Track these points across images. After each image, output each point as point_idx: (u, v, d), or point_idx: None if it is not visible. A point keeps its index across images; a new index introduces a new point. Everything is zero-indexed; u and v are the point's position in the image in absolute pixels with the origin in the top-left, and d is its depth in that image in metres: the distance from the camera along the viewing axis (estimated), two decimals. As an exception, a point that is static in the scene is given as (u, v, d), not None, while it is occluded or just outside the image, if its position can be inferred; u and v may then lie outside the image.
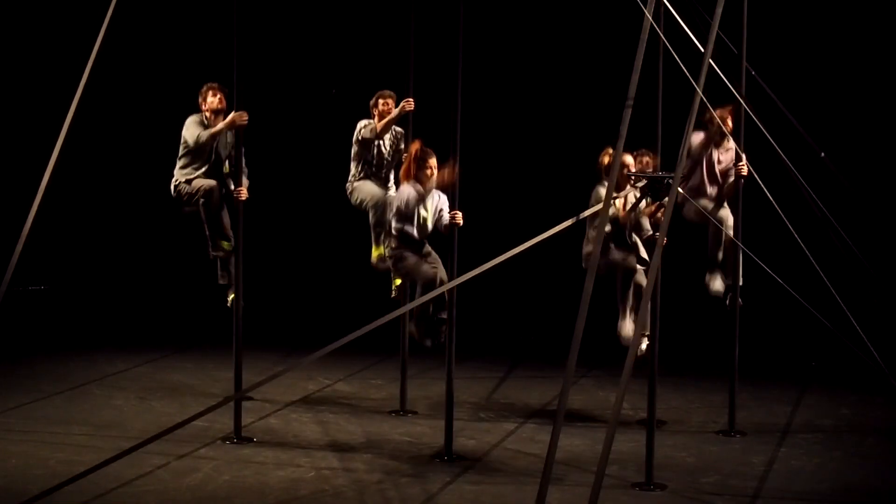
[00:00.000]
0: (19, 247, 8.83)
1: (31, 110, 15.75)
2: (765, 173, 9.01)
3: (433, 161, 10.13)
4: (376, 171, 11.18)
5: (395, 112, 10.94)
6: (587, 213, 9.61)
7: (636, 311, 10.22)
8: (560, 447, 7.92)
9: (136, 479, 9.06)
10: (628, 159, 10.21)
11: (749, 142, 10.07)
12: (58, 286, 16.44)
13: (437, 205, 10.22)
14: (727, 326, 10.68)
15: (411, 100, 10.87)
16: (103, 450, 9.38)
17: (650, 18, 8.21)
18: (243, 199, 10.16)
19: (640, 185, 9.15)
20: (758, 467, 9.71)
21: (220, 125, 10.46)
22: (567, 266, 12.50)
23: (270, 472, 9.37)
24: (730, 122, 10.46)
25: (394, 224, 10.23)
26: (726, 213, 10.91)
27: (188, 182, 10.75)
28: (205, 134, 10.55)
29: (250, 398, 11.25)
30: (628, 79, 8.14)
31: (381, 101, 11.20)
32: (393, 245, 10.30)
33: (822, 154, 9.97)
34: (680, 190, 10.05)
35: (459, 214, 9.86)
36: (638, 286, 10.43)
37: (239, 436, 10.13)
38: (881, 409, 11.44)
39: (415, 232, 10.14)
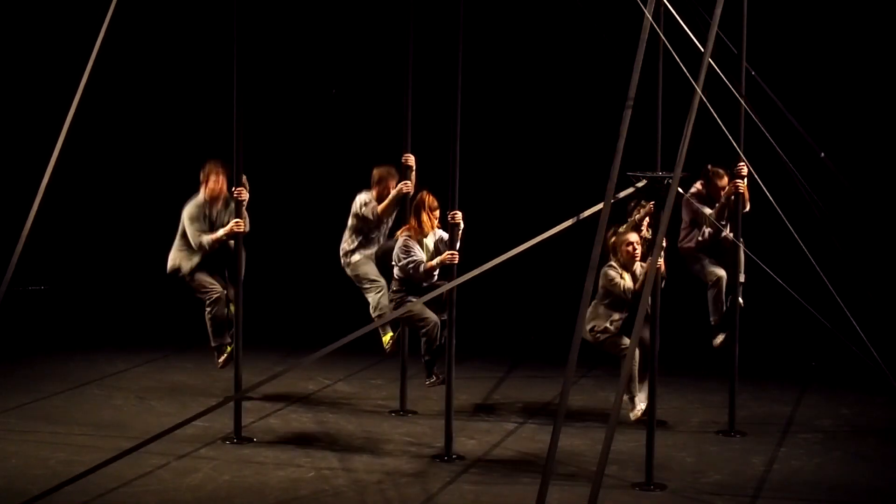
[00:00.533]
0: (19, 247, 8.83)
1: (32, 111, 15.75)
2: (765, 173, 9.01)
3: (436, 212, 10.30)
4: (372, 240, 11.23)
5: (393, 193, 11.01)
6: (588, 212, 9.60)
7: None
8: (560, 447, 7.93)
9: (137, 479, 9.06)
10: (633, 237, 10.17)
11: (749, 142, 10.07)
12: (58, 286, 16.44)
13: (437, 241, 10.35)
14: (728, 327, 10.67)
15: (409, 182, 10.94)
16: (103, 450, 9.39)
17: (650, 18, 8.22)
18: (244, 198, 10.27)
19: (640, 184, 9.14)
20: (758, 467, 9.71)
21: (221, 233, 10.64)
22: (567, 266, 12.50)
23: (270, 472, 9.37)
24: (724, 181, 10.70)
25: (396, 270, 10.29)
26: (721, 271, 10.98)
27: (192, 275, 10.93)
28: (206, 242, 10.75)
29: (250, 398, 11.24)
30: (628, 79, 8.15)
31: (383, 183, 11.15)
32: (395, 288, 10.34)
33: (822, 154, 9.97)
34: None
35: (459, 214, 9.86)
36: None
37: (239, 436, 10.13)
38: (881, 409, 11.44)
39: (420, 268, 10.14)
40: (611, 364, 11.88)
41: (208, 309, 10.94)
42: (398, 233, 10.42)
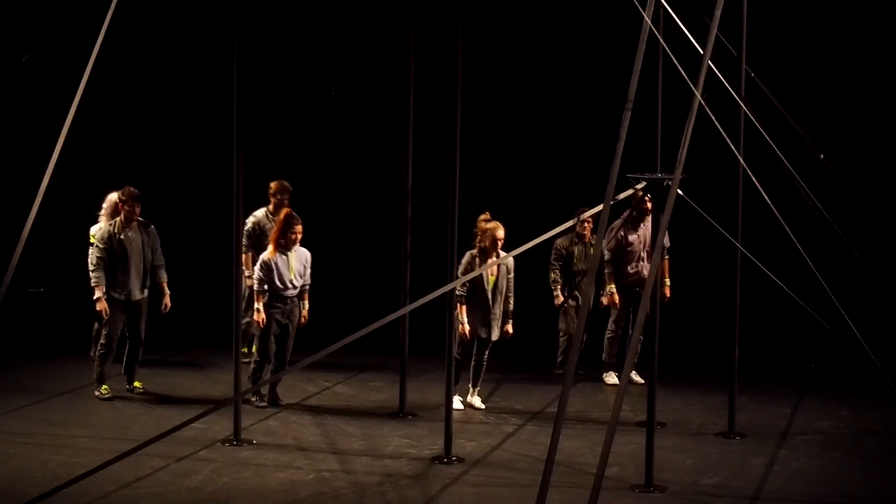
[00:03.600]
0: (19, 249, 8.82)
1: (31, 114, 15.75)
2: (764, 175, 9.01)
3: (299, 228, 11.14)
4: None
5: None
6: (587, 214, 9.61)
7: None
8: (560, 449, 7.93)
9: (136, 482, 9.06)
10: (500, 233, 11.06)
11: (748, 144, 10.07)
12: (57, 289, 16.42)
13: (302, 260, 11.26)
14: (727, 329, 10.68)
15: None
16: (103, 452, 9.39)
17: (649, 21, 8.22)
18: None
19: (639, 186, 9.14)
20: (757, 469, 9.72)
21: (97, 295, 11.38)
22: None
23: (270, 475, 9.37)
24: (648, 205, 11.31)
25: (256, 286, 11.08)
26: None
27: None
28: (95, 281, 11.40)
29: (249, 400, 11.24)
30: (628, 81, 8.15)
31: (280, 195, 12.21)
32: (265, 301, 11.09)
33: (822, 156, 9.97)
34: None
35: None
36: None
37: (238, 438, 10.13)
38: (880, 410, 11.44)
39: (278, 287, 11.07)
40: (592, 368, 11.89)
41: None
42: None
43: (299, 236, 11.16)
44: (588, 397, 11.83)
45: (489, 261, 10.86)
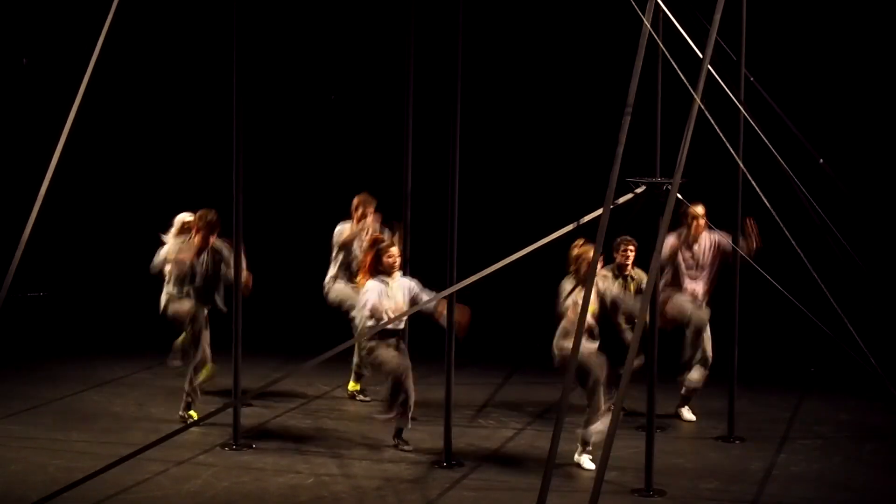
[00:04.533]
0: (18, 253, 8.82)
1: (31, 117, 15.75)
2: (763, 180, 9.01)
3: (394, 250, 10.15)
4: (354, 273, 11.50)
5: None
6: (587, 217, 9.60)
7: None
8: (559, 453, 7.93)
9: (136, 486, 9.05)
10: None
11: (747, 148, 10.07)
12: (56, 292, 16.43)
13: (406, 290, 10.12)
14: (726, 332, 10.68)
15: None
16: (102, 456, 9.37)
17: (648, 26, 8.23)
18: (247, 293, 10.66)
19: (638, 190, 9.14)
20: (757, 473, 9.71)
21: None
22: (565, 272, 12.49)
23: (269, 479, 9.37)
24: (701, 221, 11.05)
25: (366, 320, 10.00)
26: (704, 314, 11.21)
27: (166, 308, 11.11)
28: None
29: (249, 404, 11.24)
30: (627, 85, 8.15)
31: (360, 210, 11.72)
32: (368, 340, 10.16)
33: (821, 160, 9.97)
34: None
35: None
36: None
37: (238, 442, 10.12)
38: (880, 414, 11.44)
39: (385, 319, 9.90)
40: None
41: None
42: (363, 272, 10.31)
43: (397, 260, 10.17)
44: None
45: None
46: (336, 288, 11.84)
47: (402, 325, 10.20)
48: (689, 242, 11.26)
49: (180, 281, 10.92)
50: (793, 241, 8.78)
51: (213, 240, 10.92)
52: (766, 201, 8.86)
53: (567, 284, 9.91)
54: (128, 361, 13.13)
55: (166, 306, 11.05)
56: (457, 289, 9.05)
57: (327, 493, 9.07)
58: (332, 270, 11.87)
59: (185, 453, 9.85)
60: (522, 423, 11.13)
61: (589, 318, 9.57)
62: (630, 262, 10.74)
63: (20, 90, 16.19)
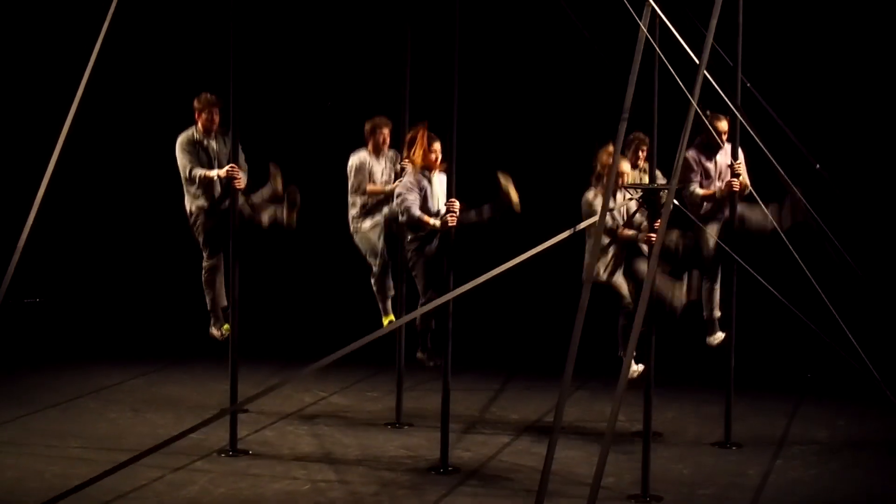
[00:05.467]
0: (15, 259, 8.82)
1: (27, 123, 15.75)
2: (761, 185, 9.02)
3: (437, 145, 10.04)
4: (376, 204, 11.03)
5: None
6: (584, 224, 9.61)
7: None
8: (556, 459, 7.92)
9: (132, 492, 9.04)
10: (625, 167, 10.09)
11: (745, 153, 10.08)
12: (53, 299, 16.42)
13: (444, 189, 10.04)
14: (723, 338, 10.68)
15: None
16: (99, 463, 9.37)
17: (645, 31, 8.23)
18: (241, 186, 10.19)
19: (635, 196, 9.15)
20: (754, 479, 9.71)
21: (214, 173, 10.45)
22: (563, 278, 12.49)
23: (266, 485, 9.36)
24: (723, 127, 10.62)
25: (404, 215, 9.96)
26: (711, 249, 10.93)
27: (199, 218, 10.70)
28: (196, 175, 10.54)
29: (246, 411, 11.24)
30: (624, 90, 8.16)
31: (378, 130, 11.07)
32: (409, 238, 10.10)
33: (818, 165, 9.99)
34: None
35: (456, 206, 9.77)
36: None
37: (234, 448, 10.12)
38: (877, 420, 11.44)
39: (428, 214, 9.89)
40: (606, 376, 11.87)
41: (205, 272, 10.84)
42: (408, 162, 10.11)
43: (439, 156, 9.99)
44: (585, 407, 11.83)
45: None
46: (364, 232, 11.08)
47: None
48: (707, 153, 10.84)
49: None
50: (790, 247, 8.79)
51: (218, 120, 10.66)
52: (762, 206, 8.87)
53: (590, 195, 10.36)
54: (124, 368, 13.12)
55: None
56: (454, 295, 9.04)
57: (324, 499, 9.06)
58: (356, 208, 11.12)
59: (182, 460, 9.84)
60: (519, 429, 11.12)
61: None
62: (642, 161, 10.73)
63: (16, 96, 16.18)
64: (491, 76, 15.51)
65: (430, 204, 10.07)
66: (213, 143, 10.76)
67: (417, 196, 9.99)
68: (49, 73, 15.66)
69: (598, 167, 10.30)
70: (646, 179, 10.30)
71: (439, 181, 10.13)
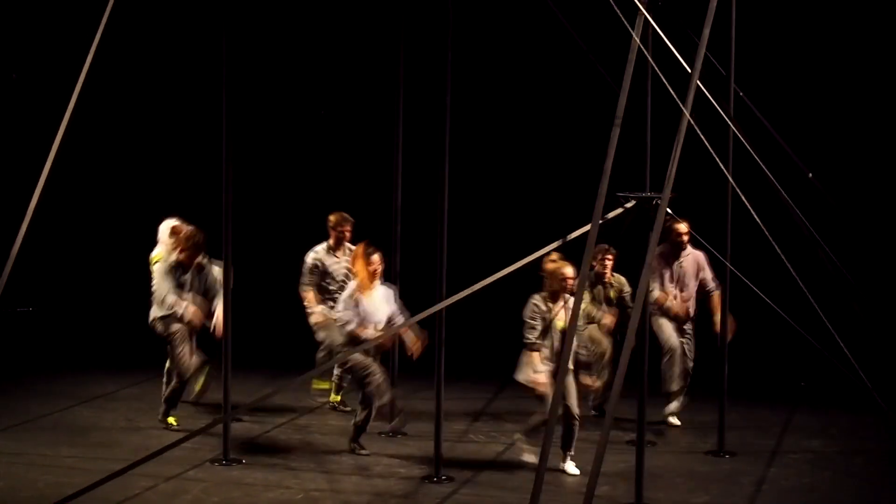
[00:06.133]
0: (8, 268, 8.81)
1: (20, 132, 15.74)
2: (752, 194, 9.03)
3: (376, 257, 10.39)
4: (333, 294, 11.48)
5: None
6: (576, 233, 9.61)
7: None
8: (549, 467, 7.91)
9: (125, 501, 9.04)
10: (569, 271, 9.94)
11: (737, 163, 10.09)
12: (46, 308, 16.40)
13: (387, 298, 10.45)
14: (716, 347, 10.69)
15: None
16: (92, 472, 9.34)
17: (637, 41, 8.24)
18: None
19: (628, 205, 9.15)
20: (748, 487, 9.71)
21: (187, 315, 11.08)
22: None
23: (259, 494, 9.35)
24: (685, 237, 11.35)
25: (345, 326, 10.33)
26: (676, 341, 11.54)
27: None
28: (171, 303, 11.14)
29: (239, 419, 11.22)
30: (617, 99, 8.16)
31: (340, 227, 11.74)
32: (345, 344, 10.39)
33: (810, 175, 10.00)
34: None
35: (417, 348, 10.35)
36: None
37: (227, 457, 10.10)
38: (870, 429, 11.44)
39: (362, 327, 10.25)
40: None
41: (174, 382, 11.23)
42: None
43: (379, 268, 10.39)
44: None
45: (557, 304, 9.97)
46: (324, 325, 11.46)
47: (376, 333, 10.33)
48: (671, 259, 11.36)
49: None
50: (782, 256, 8.79)
51: (200, 259, 11.19)
52: (755, 216, 8.87)
53: (538, 300, 10.03)
54: (118, 376, 13.11)
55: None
56: (446, 304, 9.05)
57: (317, 508, 9.06)
58: (315, 299, 11.65)
59: (175, 469, 9.82)
60: (512, 437, 11.10)
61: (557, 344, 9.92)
62: (608, 270, 11.23)
63: (9, 105, 16.17)
64: (484, 85, 15.52)
65: (369, 318, 10.34)
66: (188, 277, 11.24)
67: (355, 313, 10.27)
68: (40, 87, 15.65)
69: (544, 275, 10.16)
70: (612, 293, 11.32)
71: (379, 293, 10.41)
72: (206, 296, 11.21)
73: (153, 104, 16.59)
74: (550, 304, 9.97)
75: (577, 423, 9.91)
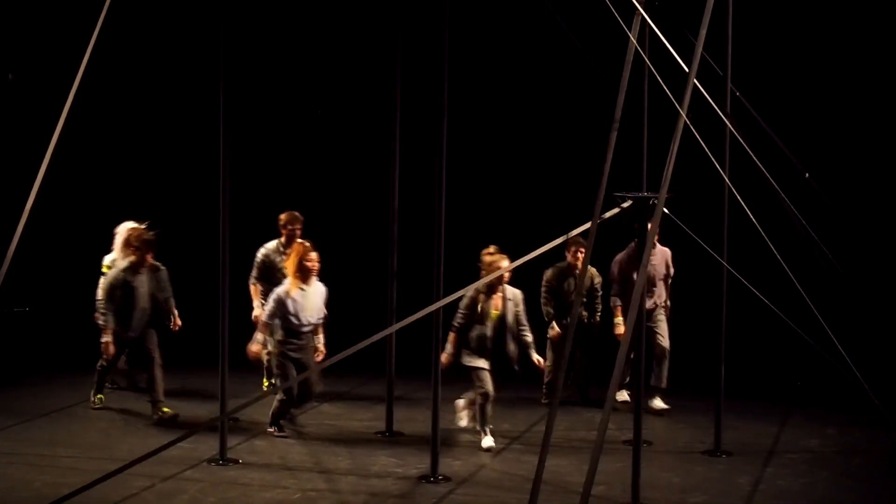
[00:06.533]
0: (4, 269, 8.80)
1: (17, 132, 15.74)
2: (749, 194, 9.03)
3: (314, 255, 10.82)
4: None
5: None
6: (575, 232, 9.62)
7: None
8: (546, 468, 7.92)
9: (122, 502, 9.03)
10: (503, 264, 10.50)
11: (734, 162, 10.10)
12: (42, 308, 16.39)
13: (321, 294, 10.90)
14: (713, 346, 10.69)
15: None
16: (89, 472, 9.34)
17: (634, 41, 8.25)
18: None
19: (625, 205, 9.15)
20: (744, 487, 9.72)
21: (106, 334, 11.62)
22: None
23: (256, 494, 9.35)
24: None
25: (265, 317, 10.84)
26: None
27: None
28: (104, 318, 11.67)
29: (236, 419, 11.22)
30: (614, 100, 8.17)
31: (291, 225, 11.94)
32: (279, 338, 10.80)
33: (807, 174, 10.00)
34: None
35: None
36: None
37: (224, 458, 10.10)
38: (867, 428, 11.45)
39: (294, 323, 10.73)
40: (598, 385, 11.88)
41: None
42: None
43: (316, 266, 10.81)
44: (575, 416, 11.83)
45: (494, 296, 10.70)
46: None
47: (310, 328, 10.84)
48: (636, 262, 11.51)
49: None
50: (778, 256, 8.80)
51: (151, 259, 11.60)
52: (751, 215, 8.88)
53: (471, 291, 10.65)
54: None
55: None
56: (444, 303, 9.05)
57: (314, 508, 9.07)
58: (257, 293, 11.94)
59: (172, 469, 9.82)
60: (510, 438, 11.12)
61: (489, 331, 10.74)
62: (580, 262, 11.92)
63: (6, 106, 16.17)
64: (482, 85, 15.53)
65: (301, 315, 10.75)
66: (140, 279, 11.61)
67: (279, 308, 10.70)
68: (37, 86, 15.65)
69: (482, 266, 10.79)
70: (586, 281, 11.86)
71: (315, 291, 10.85)
72: (160, 295, 11.64)
73: (150, 104, 16.59)
74: (483, 295, 10.68)
75: (490, 401, 10.77)
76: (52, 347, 14.87)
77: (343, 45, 16.19)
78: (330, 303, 11.14)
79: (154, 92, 16.56)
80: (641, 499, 9.15)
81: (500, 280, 10.62)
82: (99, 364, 11.79)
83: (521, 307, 10.87)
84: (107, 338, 11.54)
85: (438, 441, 9.79)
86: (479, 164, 15.72)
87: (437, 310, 9.48)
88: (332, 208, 16.44)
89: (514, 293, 10.83)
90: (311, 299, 10.78)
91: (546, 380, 12.28)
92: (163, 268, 11.72)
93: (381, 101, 11.34)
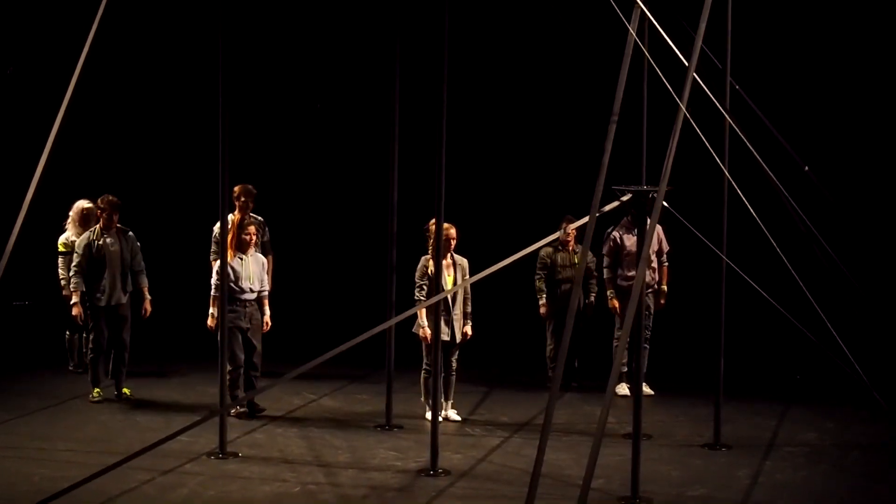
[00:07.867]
0: (3, 263, 8.80)
1: (13, 129, 15.72)
2: (748, 188, 9.03)
3: (252, 228, 11.41)
4: None
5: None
6: (573, 226, 9.64)
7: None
8: (546, 461, 7.93)
9: (122, 495, 9.03)
10: (451, 232, 10.96)
11: (733, 156, 10.10)
12: (41, 302, 16.37)
13: (261, 264, 11.44)
14: (713, 340, 10.70)
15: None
16: (88, 465, 9.36)
17: (634, 34, 8.24)
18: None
19: (624, 198, 9.15)
20: (743, 481, 9.72)
21: (73, 302, 12.00)
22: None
23: (256, 488, 9.35)
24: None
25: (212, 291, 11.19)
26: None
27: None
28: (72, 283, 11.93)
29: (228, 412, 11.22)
30: (613, 93, 8.16)
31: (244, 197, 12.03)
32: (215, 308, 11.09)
33: (806, 168, 10.00)
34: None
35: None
36: None
37: (224, 451, 10.11)
38: (865, 422, 11.47)
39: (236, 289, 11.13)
40: (596, 378, 11.89)
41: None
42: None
43: (254, 238, 11.32)
44: (574, 409, 11.84)
45: (444, 262, 10.80)
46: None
47: (253, 295, 11.27)
48: (631, 233, 11.88)
49: None
50: (778, 249, 8.80)
51: (117, 222, 11.85)
52: (751, 209, 8.87)
53: (424, 261, 11.06)
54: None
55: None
56: (443, 297, 9.05)
57: (314, 501, 9.06)
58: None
59: (172, 462, 9.83)
60: (509, 431, 11.13)
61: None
62: (571, 239, 12.34)
63: (4, 99, 16.15)
64: (481, 79, 15.52)
65: (241, 283, 11.22)
66: (109, 241, 11.83)
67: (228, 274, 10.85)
68: (36, 80, 15.63)
69: (428, 235, 11.09)
70: (575, 259, 12.26)
71: (254, 261, 11.36)
72: (133, 261, 11.85)
73: (149, 99, 16.57)
74: (433, 263, 10.76)
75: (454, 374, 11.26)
76: (52, 341, 14.86)
77: (342, 38, 16.18)
78: (329, 296, 11.17)
79: (153, 86, 16.54)
80: (641, 492, 9.16)
81: (448, 247, 10.92)
82: (69, 338, 12.22)
83: (468, 275, 11.10)
84: (75, 299, 11.76)
85: (438, 434, 9.79)
86: (479, 157, 15.72)
87: (437, 302, 9.48)
88: (332, 202, 16.44)
89: (461, 260, 11.16)
90: (249, 268, 11.23)
91: (551, 365, 12.40)
92: (131, 232, 11.91)
93: (380, 94, 11.33)
